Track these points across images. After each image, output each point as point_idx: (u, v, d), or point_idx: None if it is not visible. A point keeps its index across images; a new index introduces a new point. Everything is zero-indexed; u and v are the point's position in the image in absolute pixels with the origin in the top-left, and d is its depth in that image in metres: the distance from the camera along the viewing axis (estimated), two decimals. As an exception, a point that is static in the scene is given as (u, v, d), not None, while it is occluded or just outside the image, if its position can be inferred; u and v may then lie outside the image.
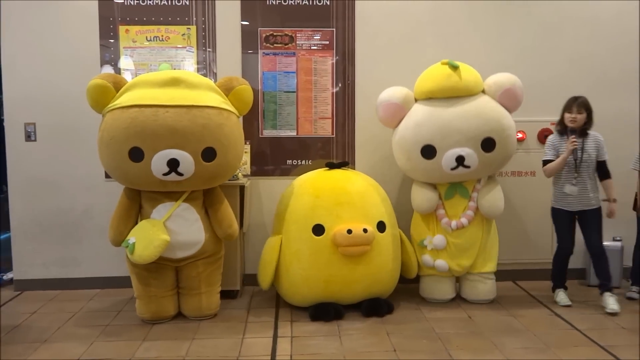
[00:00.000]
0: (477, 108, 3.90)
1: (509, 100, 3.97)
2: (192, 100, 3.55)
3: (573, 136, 3.94)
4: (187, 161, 3.49)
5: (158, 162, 3.47)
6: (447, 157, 3.88)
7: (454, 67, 3.92)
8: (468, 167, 3.88)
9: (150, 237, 3.57)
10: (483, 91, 4.03)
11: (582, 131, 3.99)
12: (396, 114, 4.08)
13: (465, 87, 3.94)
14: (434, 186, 4.12)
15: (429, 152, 3.92)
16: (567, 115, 3.98)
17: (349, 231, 3.71)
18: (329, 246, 3.79)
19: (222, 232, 3.82)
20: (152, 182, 3.56)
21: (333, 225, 3.80)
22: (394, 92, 4.06)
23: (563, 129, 4.02)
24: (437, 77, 3.97)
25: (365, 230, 3.74)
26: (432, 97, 4.00)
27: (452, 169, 3.89)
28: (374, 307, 3.91)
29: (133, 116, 3.46)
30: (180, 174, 3.51)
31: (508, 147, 3.95)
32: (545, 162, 4.08)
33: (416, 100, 4.09)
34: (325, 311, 3.84)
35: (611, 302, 3.99)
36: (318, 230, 3.82)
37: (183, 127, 3.47)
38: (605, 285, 4.08)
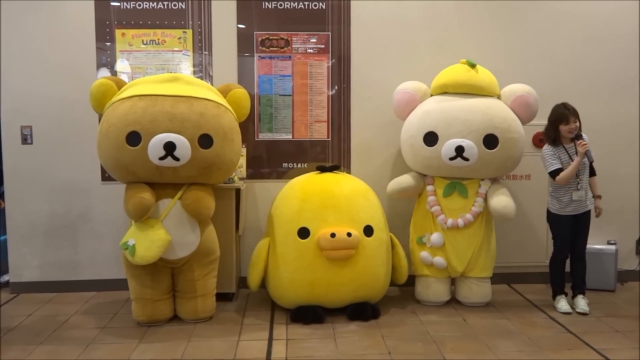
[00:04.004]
0: (485, 105, 3.99)
1: (521, 107, 4.03)
2: (190, 92, 3.67)
3: (581, 140, 3.87)
4: (184, 145, 3.51)
5: (155, 146, 3.49)
6: (447, 146, 3.91)
7: (471, 65, 4.08)
8: (467, 159, 3.90)
9: (151, 237, 3.57)
10: (499, 97, 4.14)
11: (578, 136, 3.94)
12: (408, 103, 4.18)
13: (477, 85, 4.04)
14: (420, 178, 4.19)
15: (431, 139, 3.98)
16: (564, 127, 3.90)
17: (333, 235, 3.72)
18: (314, 249, 3.80)
19: (186, 204, 3.67)
20: (148, 169, 3.57)
21: (318, 228, 3.81)
22: (410, 83, 4.23)
23: (558, 140, 3.96)
24: (452, 72, 4.14)
25: (349, 234, 3.74)
26: (446, 92, 4.13)
27: (451, 158, 3.92)
28: (358, 312, 3.90)
29: (132, 103, 3.57)
30: (177, 159, 3.52)
31: (511, 149, 3.97)
32: (555, 172, 3.94)
33: (432, 96, 4.22)
34: (304, 314, 3.85)
35: (582, 304, 4.08)
36: (303, 233, 3.83)
37: (180, 113, 3.54)
38: (580, 289, 4.15)
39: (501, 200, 3.98)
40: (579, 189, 3.98)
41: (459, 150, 3.89)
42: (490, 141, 3.91)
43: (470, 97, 4.05)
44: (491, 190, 4.07)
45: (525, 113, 4.08)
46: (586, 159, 3.95)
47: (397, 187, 4.19)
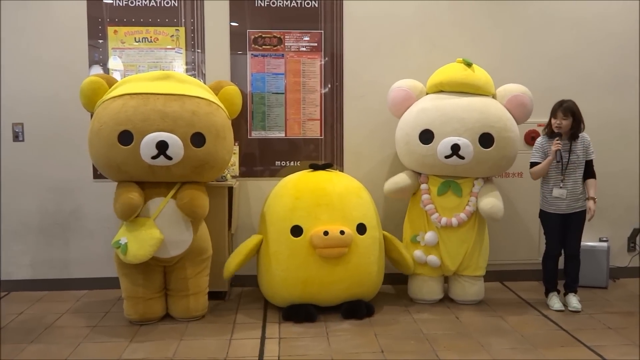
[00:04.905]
0: (481, 103, 4.00)
1: (516, 106, 4.05)
2: (182, 90, 3.64)
3: (557, 138, 3.95)
4: (176, 144, 3.49)
5: (147, 145, 3.47)
6: (443, 144, 3.91)
7: (468, 64, 4.08)
8: (462, 158, 3.90)
9: (143, 236, 3.55)
10: (494, 97, 4.15)
11: (572, 135, 3.99)
12: (404, 100, 4.18)
13: (473, 84, 4.05)
14: (416, 176, 4.18)
15: (426, 136, 3.98)
16: (553, 121, 3.98)
17: (326, 233, 3.71)
18: (307, 248, 3.79)
19: (181, 203, 3.66)
20: (141, 168, 3.55)
21: (311, 226, 3.80)
22: (406, 81, 4.23)
23: (551, 133, 4.02)
24: (448, 71, 4.14)
25: (342, 232, 3.74)
26: (442, 90, 4.13)
27: (446, 157, 3.91)
28: (352, 310, 3.89)
29: (124, 102, 3.53)
30: (169, 158, 3.50)
31: (506, 148, 3.98)
32: (533, 165, 4.08)
33: (427, 94, 4.22)
34: (297, 312, 3.84)
35: (574, 301, 4.10)
36: (296, 231, 3.82)
37: (173, 112, 3.52)
38: (571, 287, 4.18)
39: (489, 202, 3.98)
40: (561, 187, 4.01)
41: (455, 148, 3.89)
42: (486, 140, 3.92)
43: (466, 95, 4.05)
44: (482, 191, 4.07)
45: (520, 113, 4.09)
46: (576, 156, 3.99)
47: (394, 186, 4.16)
